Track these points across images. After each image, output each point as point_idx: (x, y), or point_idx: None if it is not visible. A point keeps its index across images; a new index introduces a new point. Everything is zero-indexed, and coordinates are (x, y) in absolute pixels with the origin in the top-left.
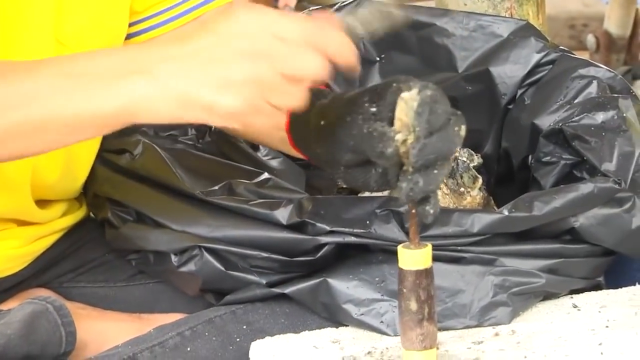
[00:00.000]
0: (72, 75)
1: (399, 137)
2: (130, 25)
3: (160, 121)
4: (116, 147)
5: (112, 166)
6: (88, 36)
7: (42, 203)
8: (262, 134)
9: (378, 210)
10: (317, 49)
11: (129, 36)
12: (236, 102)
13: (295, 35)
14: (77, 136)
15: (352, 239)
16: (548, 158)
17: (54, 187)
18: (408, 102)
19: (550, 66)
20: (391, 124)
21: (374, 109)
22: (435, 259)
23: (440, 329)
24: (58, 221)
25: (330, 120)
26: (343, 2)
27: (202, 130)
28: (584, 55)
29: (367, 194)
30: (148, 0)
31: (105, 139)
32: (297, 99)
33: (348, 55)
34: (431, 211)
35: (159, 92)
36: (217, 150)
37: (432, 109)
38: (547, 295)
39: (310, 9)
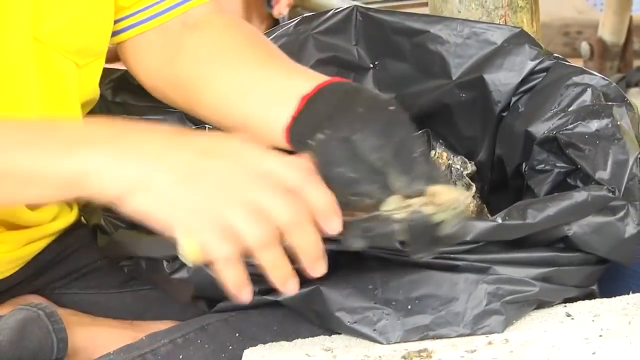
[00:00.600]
0: (32, 141)
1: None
2: (116, 22)
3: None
4: None
5: None
6: (68, 34)
7: (32, 205)
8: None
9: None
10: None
11: (114, 33)
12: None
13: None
14: (31, 194)
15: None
16: (542, 166)
17: None
18: None
19: (545, 74)
20: None
21: None
22: (429, 266)
23: (433, 337)
24: (48, 225)
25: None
26: (337, 9)
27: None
28: (577, 63)
29: None
30: None
31: None
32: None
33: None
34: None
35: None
36: None
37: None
38: (541, 304)
39: (304, 15)
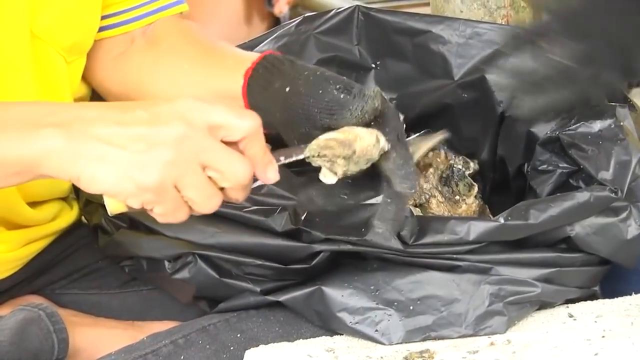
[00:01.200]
0: None
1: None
2: (103, 18)
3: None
4: None
5: None
6: (63, 29)
7: (32, 204)
8: None
9: (373, 218)
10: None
11: (101, 29)
12: (150, 180)
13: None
14: None
15: (347, 246)
16: (544, 166)
17: (41, 184)
18: None
19: None
20: None
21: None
22: (431, 267)
23: (435, 338)
24: (49, 225)
25: (297, 88)
26: (338, 8)
27: None
28: None
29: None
30: None
31: None
32: (212, 204)
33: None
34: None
35: (74, 156)
36: None
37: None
38: (543, 305)
39: (305, 14)
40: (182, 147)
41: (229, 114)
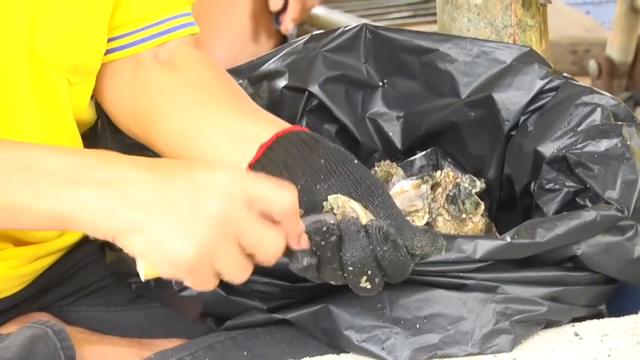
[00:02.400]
0: (24, 166)
1: None
2: (110, 40)
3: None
4: None
5: None
6: (64, 49)
7: None
8: None
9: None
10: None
11: (108, 51)
12: (184, 257)
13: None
14: (22, 224)
15: None
16: (551, 185)
17: None
18: None
19: (554, 93)
20: None
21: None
22: (437, 285)
23: (442, 357)
24: (56, 241)
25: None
26: (346, 26)
27: None
28: (585, 81)
29: None
30: (129, 15)
31: None
32: (243, 275)
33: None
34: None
35: (108, 218)
36: None
37: None
38: (549, 323)
39: (313, 32)
40: (220, 225)
41: (270, 188)
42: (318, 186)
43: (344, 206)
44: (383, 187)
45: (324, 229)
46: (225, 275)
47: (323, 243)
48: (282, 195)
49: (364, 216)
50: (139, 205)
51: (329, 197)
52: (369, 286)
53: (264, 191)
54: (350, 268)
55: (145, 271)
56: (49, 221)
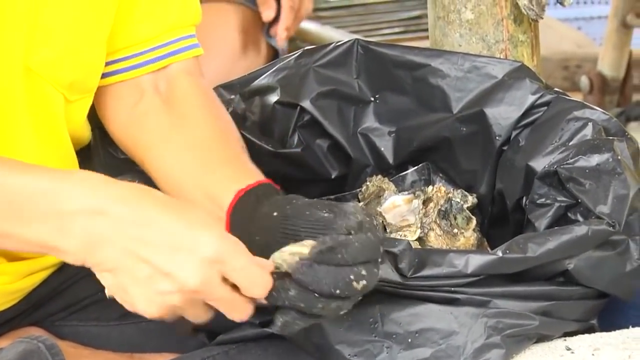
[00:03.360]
0: (10, 193)
1: None
2: (109, 63)
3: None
4: None
5: None
6: (60, 66)
7: None
8: None
9: None
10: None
11: (106, 74)
12: (151, 314)
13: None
14: (7, 246)
15: None
16: (542, 200)
17: None
18: None
19: (545, 108)
20: None
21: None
22: (429, 300)
23: None
24: (49, 257)
25: (284, 212)
26: (338, 42)
27: None
28: (577, 97)
29: None
30: (133, 37)
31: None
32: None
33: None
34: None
35: (89, 254)
36: None
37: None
38: (541, 338)
39: (305, 47)
40: (188, 296)
41: (248, 280)
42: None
43: (285, 258)
44: (305, 215)
45: (279, 293)
46: (187, 317)
47: (287, 302)
48: (256, 283)
49: (305, 248)
50: (117, 250)
51: (273, 258)
52: (364, 282)
53: (241, 280)
54: (338, 291)
55: (109, 292)
56: (33, 247)
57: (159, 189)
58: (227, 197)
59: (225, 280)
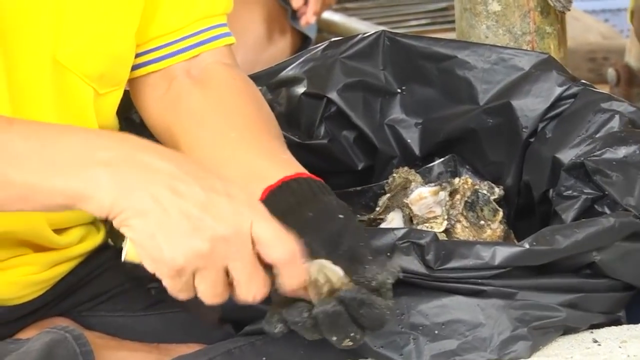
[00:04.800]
0: (39, 145)
1: None
2: (140, 55)
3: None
4: None
5: None
6: (89, 58)
7: (58, 230)
8: None
9: (399, 242)
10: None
11: (137, 66)
12: (173, 261)
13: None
14: (34, 205)
15: None
16: (569, 192)
17: (68, 213)
18: None
19: (572, 100)
20: None
21: None
22: (456, 291)
23: None
24: (76, 247)
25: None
26: (364, 33)
27: None
28: (604, 89)
29: (387, 225)
30: (164, 27)
31: None
32: (215, 300)
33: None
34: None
35: (116, 201)
36: None
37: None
38: (567, 330)
39: (331, 39)
40: (218, 246)
41: (275, 234)
42: (302, 239)
43: (324, 275)
44: (358, 235)
45: (299, 310)
46: (199, 293)
47: (298, 321)
48: (281, 244)
49: (341, 281)
50: (151, 195)
51: (312, 268)
52: (351, 343)
53: (268, 234)
54: (334, 338)
55: (129, 253)
56: (61, 200)
57: None
58: (270, 177)
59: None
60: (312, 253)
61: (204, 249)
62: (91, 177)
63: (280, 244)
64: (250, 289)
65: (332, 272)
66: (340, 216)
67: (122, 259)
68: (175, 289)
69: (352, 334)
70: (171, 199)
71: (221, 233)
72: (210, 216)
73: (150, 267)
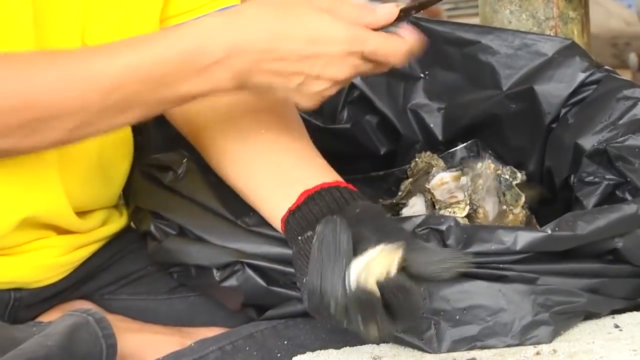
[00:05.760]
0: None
1: None
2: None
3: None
4: (160, 162)
5: (156, 182)
6: (116, 40)
7: (80, 213)
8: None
9: (418, 229)
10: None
11: None
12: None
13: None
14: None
15: None
16: (591, 178)
17: (90, 195)
18: None
19: (595, 86)
20: None
21: None
22: (477, 276)
23: (481, 348)
24: (98, 230)
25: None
26: None
27: None
28: (625, 74)
29: (409, 209)
30: (182, 6)
31: (147, 151)
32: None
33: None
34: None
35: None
36: None
37: None
38: (589, 315)
39: None
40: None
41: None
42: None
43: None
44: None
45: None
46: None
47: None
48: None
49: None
50: (261, 30)
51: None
52: (376, 332)
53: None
54: (360, 318)
55: None
56: (192, 99)
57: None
58: (307, 182)
59: None
60: (367, 242)
61: (348, 32)
62: (212, 77)
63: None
64: (395, 54)
65: (389, 258)
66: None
67: None
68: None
69: (379, 319)
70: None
71: (344, 31)
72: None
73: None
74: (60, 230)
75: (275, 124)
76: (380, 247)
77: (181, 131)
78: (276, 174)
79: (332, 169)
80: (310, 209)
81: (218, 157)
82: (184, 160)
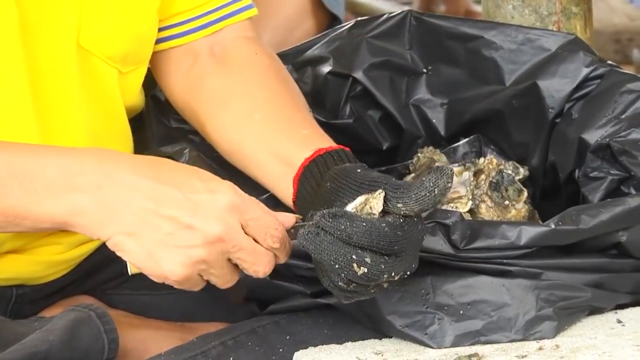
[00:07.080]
0: (21, 173)
1: None
2: (163, 29)
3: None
4: (162, 154)
5: None
6: (112, 41)
7: None
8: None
9: (425, 222)
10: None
11: (160, 40)
12: (175, 274)
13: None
14: (24, 227)
15: None
16: (595, 173)
17: None
18: None
19: (599, 80)
20: None
21: None
22: (481, 271)
23: (484, 343)
24: None
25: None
26: (390, 13)
27: None
28: (629, 70)
29: None
30: (183, 4)
31: (150, 146)
32: (230, 283)
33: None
34: None
35: (105, 221)
36: None
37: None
38: (592, 310)
39: (357, 19)
40: (214, 247)
41: (262, 212)
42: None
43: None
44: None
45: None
46: (213, 282)
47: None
48: (270, 225)
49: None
50: (136, 213)
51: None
52: (365, 270)
53: (255, 214)
54: (337, 266)
55: (132, 269)
56: (49, 225)
57: (214, 156)
58: (299, 158)
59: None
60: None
61: (201, 255)
62: (73, 204)
63: (272, 219)
64: (258, 268)
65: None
66: (358, 170)
67: (129, 273)
68: (187, 287)
69: (353, 256)
70: (156, 214)
71: (213, 233)
72: (198, 219)
73: (156, 280)
74: None
75: (265, 102)
76: (359, 199)
77: (184, 117)
78: (271, 151)
79: (318, 133)
80: (303, 184)
81: (220, 146)
82: (186, 151)
